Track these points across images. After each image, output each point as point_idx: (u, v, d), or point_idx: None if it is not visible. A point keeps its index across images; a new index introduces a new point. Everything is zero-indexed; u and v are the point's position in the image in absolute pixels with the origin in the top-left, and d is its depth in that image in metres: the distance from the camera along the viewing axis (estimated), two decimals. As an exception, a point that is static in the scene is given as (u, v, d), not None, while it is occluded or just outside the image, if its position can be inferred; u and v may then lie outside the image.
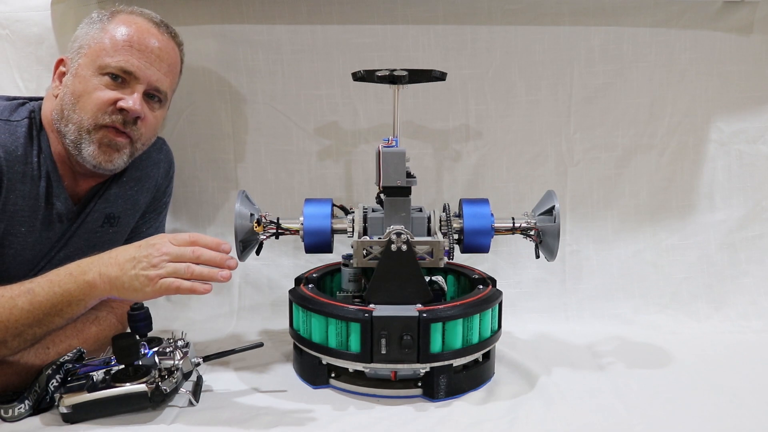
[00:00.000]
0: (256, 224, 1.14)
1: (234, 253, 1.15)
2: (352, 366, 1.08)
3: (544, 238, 1.16)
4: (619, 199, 1.51)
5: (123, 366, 0.98)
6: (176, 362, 1.00)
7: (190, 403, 1.03)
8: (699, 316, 1.45)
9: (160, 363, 1.00)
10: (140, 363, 0.99)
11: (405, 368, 1.06)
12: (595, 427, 0.99)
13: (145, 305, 1.02)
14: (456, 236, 1.16)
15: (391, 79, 1.18)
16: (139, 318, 1.00)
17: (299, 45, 1.44)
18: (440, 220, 1.16)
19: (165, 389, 0.98)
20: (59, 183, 1.12)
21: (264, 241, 1.17)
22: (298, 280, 1.22)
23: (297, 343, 1.15)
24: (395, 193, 1.13)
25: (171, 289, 0.96)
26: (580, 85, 1.46)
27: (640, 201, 1.50)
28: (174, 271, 0.96)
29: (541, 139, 1.49)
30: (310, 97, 1.46)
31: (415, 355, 1.05)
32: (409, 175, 1.13)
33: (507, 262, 1.51)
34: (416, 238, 1.11)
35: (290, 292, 1.17)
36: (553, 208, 1.15)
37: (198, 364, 1.05)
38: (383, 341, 1.03)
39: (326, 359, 1.10)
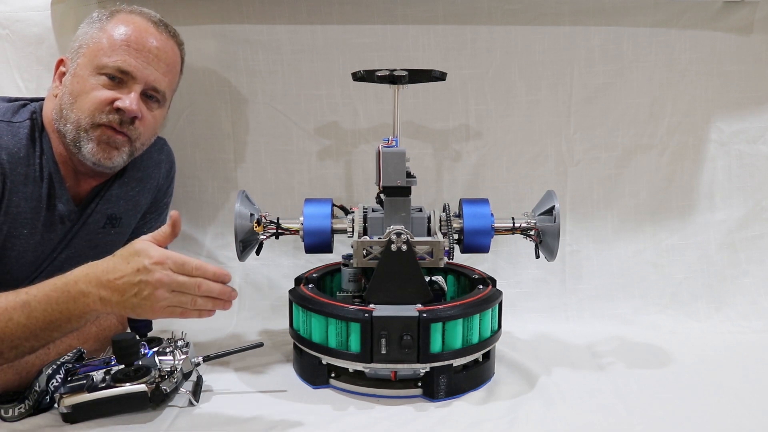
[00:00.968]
0: (256, 224, 1.14)
1: (234, 255, 1.16)
2: (352, 366, 1.08)
3: (544, 238, 1.16)
4: (619, 199, 1.51)
5: (123, 366, 0.98)
6: (176, 362, 1.00)
7: (190, 403, 1.03)
8: (699, 316, 1.45)
9: (160, 363, 1.00)
10: (140, 363, 0.99)
11: (405, 368, 1.06)
12: (595, 427, 0.99)
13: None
14: (456, 236, 1.16)
15: (391, 79, 1.18)
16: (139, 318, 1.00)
17: (299, 45, 1.44)
18: (440, 220, 1.16)
19: (165, 389, 0.98)
20: (61, 184, 1.12)
21: (264, 241, 1.17)
22: (298, 280, 1.22)
23: (297, 343, 1.15)
24: (395, 193, 1.13)
25: (175, 314, 0.94)
26: (580, 85, 1.46)
27: (640, 201, 1.50)
28: (179, 303, 0.94)
29: (541, 139, 1.49)
30: (310, 97, 1.46)
31: (415, 355, 1.05)
32: (409, 175, 1.13)
33: (507, 262, 1.51)
34: (416, 238, 1.11)
35: (290, 292, 1.17)
36: (553, 208, 1.15)
37: (198, 364, 1.05)
38: (383, 341, 1.03)
39: (326, 359, 1.10)
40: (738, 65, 1.46)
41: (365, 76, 1.20)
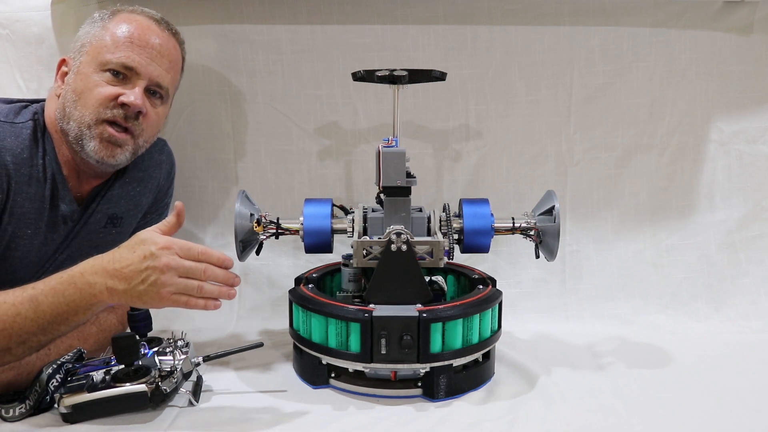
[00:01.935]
0: (256, 224, 1.14)
1: (234, 254, 1.16)
2: (352, 366, 1.08)
3: (544, 238, 1.16)
4: (619, 199, 1.51)
5: (123, 366, 0.98)
6: (176, 362, 1.00)
7: (190, 403, 1.03)
8: (699, 316, 1.45)
9: (160, 363, 1.00)
10: (140, 363, 0.99)
11: (405, 368, 1.06)
12: (595, 427, 0.99)
13: (145, 305, 1.02)
14: (456, 236, 1.16)
15: (391, 79, 1.18)
16: (139, 318, 1.00)
17: (299, 45, 1.44)
18: (440, 220, 1.16)
19: (165, 389, 0.98)
20: (64, 185, 1.12)
21: (264, 241, 1.17)
22: (298, 280, 1.22)
23: (297, 343, 1.15)
24: (395, 193, 1.13)
25: (181, 303, 0.95)
26: (580, 85, 1.46)
27: (640, 201, 1.50)
28: (185, 288, 0.94)
29: (541, 139, 1.49)
30: (310, 97, 1.46)
31: (415, 355, 1.05)
32: (409, 175, 1.13)
33: (507, 262, 1.51)
34: (416, 238, 1.11)
35: (290, 292, 1.17)
36: (553, 208, 1.15)
37: (198, 364, 1.05)
38: (383, 341, 1.03)
39: (326, 359, 1.10)
40: (738, 65, 1.46)
41: (365, 76, 1.20)
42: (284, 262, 1.51)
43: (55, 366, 0.98)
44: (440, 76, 1.20)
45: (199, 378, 1.08)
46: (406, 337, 1.03)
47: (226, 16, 1.42)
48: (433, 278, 1.17)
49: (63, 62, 1.14)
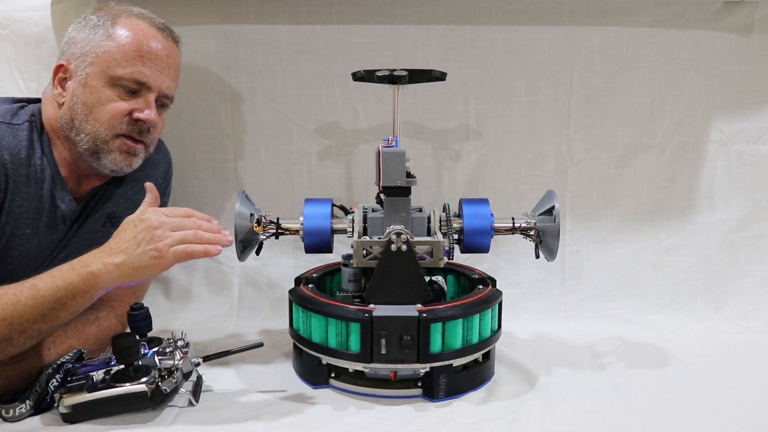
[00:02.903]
0: (256, 224, 1.14)
1: (234, 255, 1.16)
2: (352, 366, 1.08)
3: (544, 238, 1.16)
4: (619, 199, 1.51)
5: (123, 366, 0.98)
6: (176, 362, 1.00)
7: (190, 403, 1.03)
8: (699, 316, 1.45)
9: (160, 363, 1.00)
10: (140, 363, 0.99)
11: (405, 368, 1.06)
12: (595, 427, 0.99)
13: (145, 305, 1.02)
14: (456, 236, 1.16)
15: (391, 79, 1.18)
16: (139, 318, 1.00)
17: (299, 45, 1.44)
18: (440, 220, 1.16)
19: (165, 389, 0.98)
20: (63, 185, 1.13)
21: (264, 241, 1.17)
22: (298, 280, 1.22)
23: (297, 343, 1.15)
24: (395, 193, 1.13)
25: (184, 255, 0.96)
26: (580, 85, 1.46)
27: (640, 201, 1.50)
28: (182, 238, 0.96)
29: (541, 139, 1.49)
30: (310, 97, 1.46)
31: (415, 355, 1.05)
32: (409, 175, 1.13)
33: (507, 262, 1.51)
34: (416, 238, 1.11)
35: (290, 292, 1.17)
36: (553, 208, 1.15)
37: (198, 364, 1.05)
38: (383, 341, 1.03)
39: (326, 359, 1.10)
40: (738, 65, 1.46)
41: (365, 76, 1.20)
42: (284, 262, 1.51)
43: (55, 366, 0.98)
44: (440, 76, 1.20)
45: (199, 378, 1.08)
46: (406, 337, 1.03)
47: (226, 16, 1.42)
48: (433, 278, 1.17)
49: (60, 68, 1.12)
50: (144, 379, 0.96)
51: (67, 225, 1.15)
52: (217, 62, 1.44)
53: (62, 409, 0.95)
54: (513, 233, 1.18)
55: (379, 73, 1.18)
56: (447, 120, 1.48)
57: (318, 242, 1.16)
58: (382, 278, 1.08)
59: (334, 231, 1.16)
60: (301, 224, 1.15)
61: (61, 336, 1.06)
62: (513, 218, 1.18)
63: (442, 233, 1.14)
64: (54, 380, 0.97)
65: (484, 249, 1.18)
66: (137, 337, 0.99)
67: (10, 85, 1.37)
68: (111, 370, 0.99)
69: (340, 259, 1.24)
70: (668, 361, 1.24)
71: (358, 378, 1.10)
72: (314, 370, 1.12)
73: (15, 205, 1.07)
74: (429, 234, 1.16)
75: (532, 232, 1.18)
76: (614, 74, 1.46)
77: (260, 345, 1.09)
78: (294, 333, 1.15)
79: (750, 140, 1.49)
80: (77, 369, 1.00)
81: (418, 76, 1.19)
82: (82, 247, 1.17)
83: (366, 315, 1.04)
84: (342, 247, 1.32)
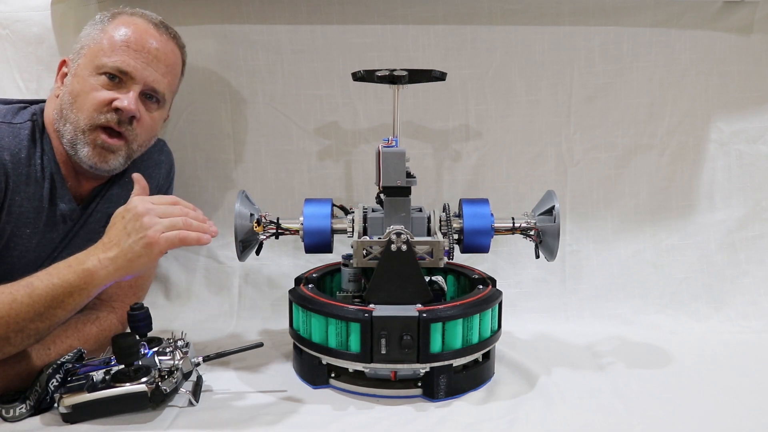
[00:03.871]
0: (256, 224, 1.14)
1: (234, 255, 1.16)
2: (352, 366, 1.08)
3: (544, 238, 1.16)
4: (619, 199, 1.51)
5: (123, 366, 0.98)
6: (176, 362, 1.00)
7: (190, 403, 1.03)
8: (699, 316, 1.45)
9: (160, 363, 1.00)
10: (140, 363, 0.99)
11: (405, 368, 1.06)
12: (595, 427, 0.99)
13: (145, 305, 1.02)
14: (456, 236, 1.16)
15: (391, 79, 1.18)
16: (139, 318, 1.00)
17: (299, 45, 1.44)
18: (440, 220, 1.16)
19: (165, 389, 0.98)
20: (63, 184, 1.13)
21: (264, 241, 1.17)
22: (298, 280, 1.22)
23: (297, 343, 1.15)
24: (395, 193, 1.13)
25: (177, 241, 0.96)
26: (580, 85, 1.46)
27: (640, 201, 1.50)
28: (171, 224, 0.96)
29: (541, 139, 1.49)
30: (310, 97, 1.46)
31: (415, 355, 1.05)
32: (409, 175, 1.13)
33: (507, 262, 1.51)
34: (416, 238, 1.11)
35: (290, 292, 1.17)
36: (553, 208, 1.15)
37: (198, 364, 1.05)
38: (383, 341, 1.03)
39: (326, 359, 1.10)
40: (738, 65, 1.45)
41: (365, 76, 1.20)
42: (284, 262, 1.51)
43: (55, 366, 0.98)
44: (440, 76, 1.20)
45: (199, 378, 1.08)
46: (406, 337, 1.03)
47: (226, 16, 1.42)
48: (433, 278, 1.17)
49: (63, 63, 1.15)
50: (144, 379, 0.96)
51: (67, 225, 1.15)
52: (217, 62, 1.44)
53: (62, 409, 0.95)
54: (513, 233, 1.18)
55: (379, 73, 1.18)
56: (447, 120, 1.48)
57: (318, 242, 1.16)
58: (382, 278, 1.08)
59: (334, 231, 1.16)
60: (301, 224, 1.15)
61: (61, 336, 1.06)
62: (513, 218, 1.18)
63: (442, 233, 1.14)
64: (54, 380, 0.97)
65: (484, 249, 1.18)
66: (137, 337, 0.99)
67: (10, 85, 1.37)
68: (111, 370, 0.98)
69: (340, 259, 1.24)
70: (668, 361, 1.24)
71: (358, 378, 1.10)
72: (314, 370, 1.12)
73: (15, 204, 1.07)
74: (429, 234, 1.16)
75: (532, 232, 1.18)
76: (614, 74, 1.46)
77: (260, 345, 1.09)
78: (294, 333, 1.15)
79: (750, 140, 1.49)
80: (77, 369, 1.00)
81: (418, 76, 1.19)
82: (83, 247, 1.16)
83: (366, 315, 1.04)
84: (342, 247, 1.32)
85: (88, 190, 1.18)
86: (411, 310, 1.05)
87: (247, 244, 1.16)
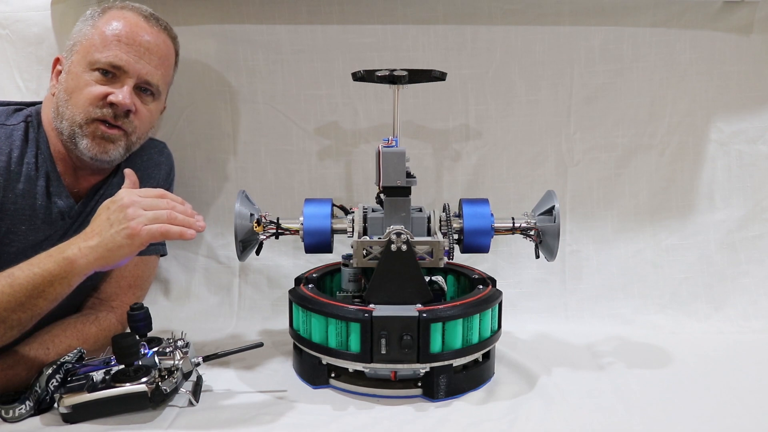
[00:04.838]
0: (256, 224, 1.14)
1: (234, 255, 1.16)
2: (352, 366, 1.08)
3: (544, 238, 1.16)
4: (619, 199, 1.51)
5: (123, 366, 0.98)
6: (176, 362, 1.00)
7: (190, 403, 1.03)
8: (699, 316, 1.45)
9: (160, 363, 1.00)
10: (140, 363, 0.99)
11: (405, 368, 1.06)
12: (595, 427, 0.99)
13: (145, 305, 1.02)
14: (456, 236, 1.16)
15: (391, 79, 1.18)
16: (139, 318, 1.00)
17: (299, 45, 1.44)
18: (440, 220, 1.16)
19: (165, 389, 0.98)
20: (59, 181, 1.13)
21: (264, 241, 1.17)
22: (298, 280, 1.22)
23: (297, 343, 1.15)
24: (395, 193, 1.13)
25: (158, 234, 0.95)
26: (580, 85, 1.46)
27: (640, 201, 1.50)
28: (155, 217, 0.95)
29: (541, 139, 1.49)
30: (310, 97, 1.46)
31: (414, 355, 1.05)
32: (409, 175, 1.13)
33: (507, 262, 1.51)
34: (416, 238, 1.11)
35: (290, 292, 1.17)
36: (553, 208, 1.15)
37: (198, 364, 1.05)
38: (383, 341, 1.03)
39: (326, 359, 1.10)
40: (738, 65, 1.45)
41: (365, 76, 1.20)
42: (284, 262, 1.51)
43: (55, 366, 0.98)
44: (440, 76, 1.20)
45: (199, 378, 1.08)
46: (406, 337, 1.03)
47: (226, 16, 1.42)
48: (433, 278, 1.17)
49: (57, 61, 1.16)
50: (144, 379, 0.96)
51: (66, 222, 1.15)
52: (217, 62, 1.44)
53: (62, 409, 0.95)
54: (513, 233, 1.18)
55: (379, 73, 1.18)
56: (447, 120, 1.48)
57: (318, 242, 1.16)
58: (382, 278, 1.08)
59: (334, 231, 1.16)
60: (301, 224, 1.15)
61: (60, 336, 1.07)
62: (513, 218, 1.18)
63: (442, 233, 1.14)
64: (54, 380, 0.97)
65: (484, 249, 1.18)
66: (137, 337, 0.99)
67: (10, 85, 1.37)
68: (111, 370, 0.98)
69: (340, 259, 1.24)
70: (668, 361, 1.24)
71: (358, 378, 1.10)
72: (314, 370, 1.12)
73: (8, 202, 1.08)
74: (429, 234, 1.16)
75: (532, 232, 1.18)
76: (614, 74, 1.46)
77: (260, 345, 1.09)
78: (294, 333, 1.15)
79: (750, 140, 1.49)
80: (77, 369, 1.00)
81: (418, 76, 1.19)
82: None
83: (366, 315, 1.04)
84: (342, 247, 1.32)
85: (86, 187, 1.18)
86: (411, 310, 1.05)
87: (247, 244, 1.16)
